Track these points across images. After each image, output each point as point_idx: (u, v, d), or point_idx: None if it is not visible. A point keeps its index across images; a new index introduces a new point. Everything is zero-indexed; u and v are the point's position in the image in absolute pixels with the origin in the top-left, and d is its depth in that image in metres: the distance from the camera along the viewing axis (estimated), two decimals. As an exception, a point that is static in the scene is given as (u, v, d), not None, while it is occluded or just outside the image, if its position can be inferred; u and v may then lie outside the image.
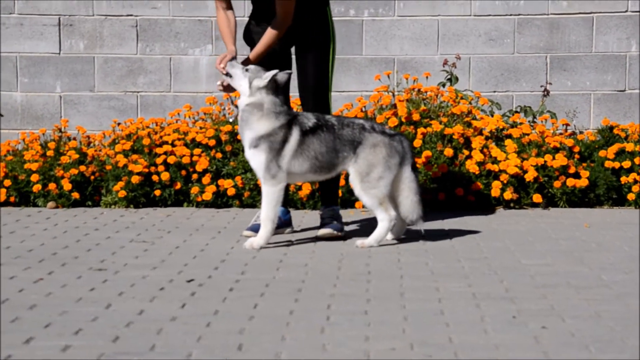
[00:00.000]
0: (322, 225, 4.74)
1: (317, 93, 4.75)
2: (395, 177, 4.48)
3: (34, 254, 4.33)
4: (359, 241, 4.51)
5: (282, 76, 4.48)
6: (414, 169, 4.59)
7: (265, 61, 4.63)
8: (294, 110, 4.64)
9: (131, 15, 6.67)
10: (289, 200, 5.12)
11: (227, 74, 4.52)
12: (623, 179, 5.79)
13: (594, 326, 3.14)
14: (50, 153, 5.88)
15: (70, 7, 6.66)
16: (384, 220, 4.47)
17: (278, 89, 4.47)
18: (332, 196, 4.82)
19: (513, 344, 2.94)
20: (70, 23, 6.68)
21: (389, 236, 4.60)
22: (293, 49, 4.82)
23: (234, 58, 4.56)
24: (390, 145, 4.47)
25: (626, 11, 6.62)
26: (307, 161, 4.46)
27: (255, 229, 4.61)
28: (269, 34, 4.59)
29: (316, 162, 4.47)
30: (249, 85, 4.45)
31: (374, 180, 4.46)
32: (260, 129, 4.42)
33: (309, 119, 4.49)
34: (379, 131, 4.51)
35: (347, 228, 4.94)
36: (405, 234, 4.65)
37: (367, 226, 4.90)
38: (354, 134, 4.48)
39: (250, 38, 4.78)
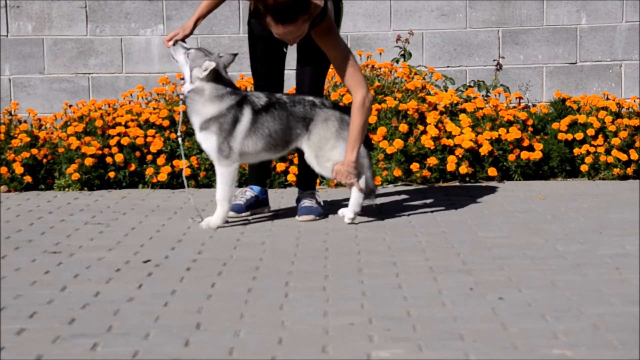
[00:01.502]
0: (300, 210, 4.64)
1: (312, 91, 4.63)
2: None
3: (-14, 239, 4.27)
4: (346, 218, 4.47)
5: (226, 59, 4.41)
6: (366, 144, 4.58)
7: (259, 43, 4.56)
8: (243, 89, 4.55)
9: (80, -5, 6.57)
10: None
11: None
12: (576, 151, 5.84)
13: (550, 296, 3.17)
14: (0, 137, 5.79)
15: (17, -12, 6.55)
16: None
17: (220, 73, 4.38)
18: (310, 180, 4.74)
19: (471, 315, 2.95)
20: (17, 5, 6.56)
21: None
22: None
23: (183, 39, 4.49)
24: (341, 119, 4.46)
25: (576, -16, 6.67)
26: (261, 140, 4.43)
27: (235, 208, 4.60)
28: (362, 125, 4.38)
29: (270, 140, 4.44)
30: (190, 74, 4.40)
31: (327, 151, 4.44)
32: (207, 112, 4.37)
33: (260, 98, 4.45)
34: (329, 106, 4.49)
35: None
36: (362, 210, 4.64)
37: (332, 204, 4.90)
38: (306, 111, 4.46)
39: (253, 36, 4.64)
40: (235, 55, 4.46)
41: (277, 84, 4.68)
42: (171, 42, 4.48)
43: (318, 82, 4.68)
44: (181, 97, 4.46)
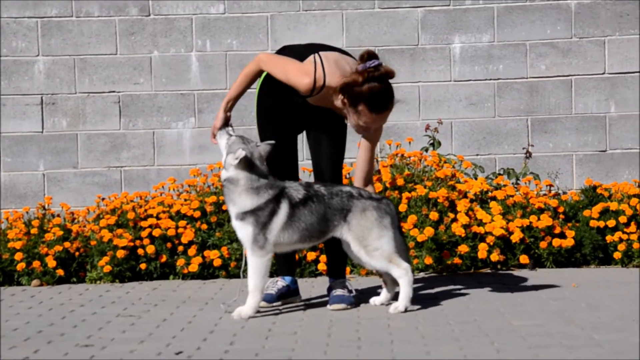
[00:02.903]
0: (332, 299, 4.62)
1: (331, 175, 4.67)
2: None
3: (19, 332, 4.27)
4: (392, 308, 4.43)
5: (263, 148, 4.43)
6: (401, 232, 4.59)
7: (269, 131, 4.60)
8: (279, 181, 4.53)
9: (113, 91, 6.70)
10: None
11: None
12: (608, 238, 5.79)
13: (588, 384, 3.12)
14: (34, 231, 5.84)
15: (53, 86, 6.69)
16: (402, 276, 4.42)
17: (254, 163, 4.38)
18: (341, 268, 4.72)
19: (507, 405, 2.90)
20: (53, 102, 6.70)
21: (379, 300, 4.59)
22: None
23: (224, 126, 4.53)
24: (378, 208, 4.47)
25: (603, 73, 6.71)
26: (297, 232, 4.42)
27: (266, 298, 4.60)
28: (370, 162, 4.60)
29: (306, 232, 4.43)
30: (225, 159, 4.43)
31: (374, 241, 4.43)
32: (244, 204, 4.38)
33: (298, 191, 4.44)
34: (366, 197, 4.50)
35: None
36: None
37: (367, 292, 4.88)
38: (343, 202, 4.46)
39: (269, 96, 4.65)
40: (272, 144, 4.47)
41: (291, 176, 4.69)
42: (216, 138, 4.52)
43: (337, 166, 4.70)
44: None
